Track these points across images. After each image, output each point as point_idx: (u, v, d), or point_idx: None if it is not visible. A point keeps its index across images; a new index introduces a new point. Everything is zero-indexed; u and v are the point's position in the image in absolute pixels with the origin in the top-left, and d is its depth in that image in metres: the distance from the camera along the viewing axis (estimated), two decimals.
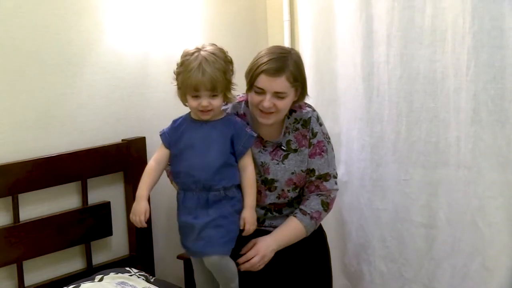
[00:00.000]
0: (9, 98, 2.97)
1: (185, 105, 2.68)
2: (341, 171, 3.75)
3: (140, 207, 2.62)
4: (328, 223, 3.59)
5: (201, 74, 2.45)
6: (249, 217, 2.68)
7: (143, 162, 3.29)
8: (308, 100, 3.29)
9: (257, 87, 2.90)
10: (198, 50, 2.55)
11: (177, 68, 2.61)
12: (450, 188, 3.43)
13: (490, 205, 3.28)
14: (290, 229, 3.01)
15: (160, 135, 2.75)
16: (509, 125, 3.19)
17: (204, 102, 2.49)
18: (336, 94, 3.87)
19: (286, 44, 4.04)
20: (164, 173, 3.05)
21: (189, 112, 2.71)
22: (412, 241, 3.60)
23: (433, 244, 3.53)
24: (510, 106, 3.18)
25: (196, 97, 2.52)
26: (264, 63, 2.91)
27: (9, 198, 2.96)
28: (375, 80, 3.65)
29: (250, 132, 2.73)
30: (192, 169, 2.59)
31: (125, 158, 3.37)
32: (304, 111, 3.16)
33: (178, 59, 2.65)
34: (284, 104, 2.93)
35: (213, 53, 2.53)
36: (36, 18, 3.04)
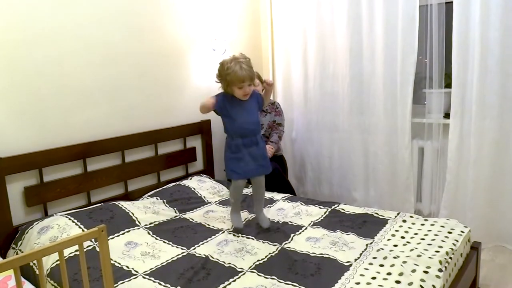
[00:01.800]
0: (147, 101, 3.13)
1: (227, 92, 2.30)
2: (293, 133, 4.04)
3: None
4: (288, 156, 3.98)
5: (244, 72, 2.16)
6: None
7: (209, 130, 3.56)
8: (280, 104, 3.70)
9: None
10: (236, 58, 2.23)
11: (223, 72, 2.23)
12: (339, 142, 3.73)
13: (355, 148, 3.64)
14: (268, 147, 3.30)
15: (215, 103, 2.28)
16: (365, 113, 3.53)
17: (247, 89, 2.21)
18: (292, 101, 3.98)
19: (270, 76, 4.06)
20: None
21: (227, 94, 2.30)
22: (323, 164, 3.87)
23: (331, 165, 3.82)
24: (367, 100, 3.49)
25: (240, 87, 2.21)
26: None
27: (152, 146, 3.16)
28: (309, 96, 3.85)
29: (258, 92, 2.41)
30: (247, 124, 2.28)
31: (201, 128, 3.52)
32: (272, 100, 3.61)
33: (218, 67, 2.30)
34: (259, 88, 3.23)
35: (244, 59, 2.24)
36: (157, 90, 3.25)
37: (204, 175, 3.42)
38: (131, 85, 3.01)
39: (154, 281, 1.93)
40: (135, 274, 2.00)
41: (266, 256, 2.12)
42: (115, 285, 1.87)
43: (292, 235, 2.35)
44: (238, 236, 2.39)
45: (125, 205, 2.66)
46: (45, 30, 2.51)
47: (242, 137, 2.30)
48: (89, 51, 2.73)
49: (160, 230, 2.47)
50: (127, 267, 2.06)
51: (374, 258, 2.03)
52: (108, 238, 2.26)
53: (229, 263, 2.06)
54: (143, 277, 1.97)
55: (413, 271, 1.87)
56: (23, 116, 2.46)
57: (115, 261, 2.11)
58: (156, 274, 1.99)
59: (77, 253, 2.09)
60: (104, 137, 2.83)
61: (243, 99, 2.28)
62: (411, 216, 2.54)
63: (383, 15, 3.26)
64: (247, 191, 2.97)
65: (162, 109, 3.26)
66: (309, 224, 2.52)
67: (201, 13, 3.51)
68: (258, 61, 4.19)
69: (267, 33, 4.08)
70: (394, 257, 2.00)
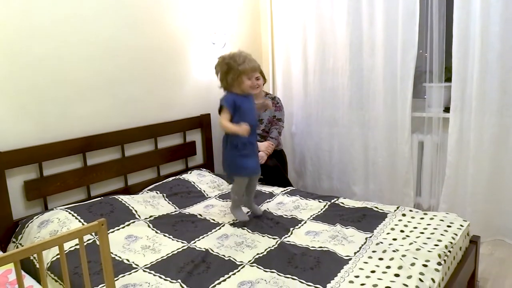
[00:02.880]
0: (147, 94, 3.13)
1: (229, 91, 2.29)
2: (293, 128, 4.03)
3: (243, 127, 2.17)
4: (288, 151, 3.97)
5: (254, 63, 2.21)
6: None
7: (209, 124, 3.55)
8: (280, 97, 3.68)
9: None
10: (240, 52, 2.25)
11: (233, 64, 2.19)
12: (339, 136, 3.73)
13: (354, 142, 3.63)
14: (268, 144, 3.31)
15: (225, 105, 2.25)
16: (365, 107, 3.52)
17: (254, 81, 2.06)
18: (292, 95, 3.97)
19: (270, 71, 4.07)
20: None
21: (232, 93, 2.27)
22: (322, 158, 3.87)
23: (331, 159, 3.82)
24: (367, 94, 3.48)
25: (249, 79, 2.20)
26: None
27: (152, 140, 3.17)
28: (308, 90, 3.84)
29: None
30: (254, 120, 2.32)
31: (201, 122, 3.51)
32: (272, 95, 3.57)
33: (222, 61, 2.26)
34: (260, 82, 3.35)
35: (247, 53, 2.27)
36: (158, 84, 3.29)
37: (204, 169, 3.42)
38: (131, 79, 3.00)
39: (154, 275, 1.93)
40: (136, 268, 2.00)
41: (265, 250, 2.12)
42: (115, 279, 1.87)
43: (291, 229, 2.36)
44: (243, 228, 2.40)
45: (125, 199, 2.66)
46: (44, 23, 2.50)
47: (249, 134, 2.26)
48: (88, 45, 2.72)
49: (160, 224, 2.46)
50: (128, 260, 2.07)
51: (374, 251, 2.03)
52: (108, 231, 2.26)
53: (229, 257, 2.06)
54: (144, 271, 1.97)
55: (412, 264, 1.87)
56: (23, 110, 2.45)
57: (116, 255, 2.11)
58: (156, 267, 2.00)
59: (78, 247, 2.10)
60: (104, 131, 2.82)
61: (250, 92, 2.27)
62: (410, 210, 2.54)
63: (383, 8, 3.27)
64: None
65: (161, 103, 3.24)
66: (308, 218, 2.52)
67: (200, 7, 3.50)
68: (258, 55, 4.16)
69: (267, 27, 4.06)
70: (393, 251, 2.01)
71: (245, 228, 2.40)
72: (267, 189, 3.07)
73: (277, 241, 2.22)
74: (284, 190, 3.02)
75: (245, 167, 2.38)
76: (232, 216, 2.56)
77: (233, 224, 2.47)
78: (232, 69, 2.21)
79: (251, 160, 2.38)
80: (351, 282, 1.78)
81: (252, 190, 2.52)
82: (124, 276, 1.92)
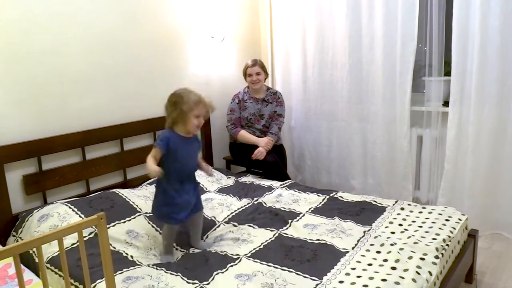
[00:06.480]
0: (146, 88, 3.12)
1: (172, 129, 2.07)
2: (292, 122, 4.03)
3: (154, 168, 1.95)
4: (287, 145, 3.95)
5: (202, 99, 2.04)
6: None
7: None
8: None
9: (249, 74, 3.38)
10: (188, 89, 2.08)
11: (179, 100, 2.02)
12: (338, 130, 3.73)
13: (353, 137, 3.63)
14: (268, 139, 3.34)
15: (157, 141, 2.06)
16: (364, 101, 3.52)
17: (201, 120, 2.02)
18: (290, 90, 3.95)
19: (269, 65, 4.05)
20: None
21: (171, 132, 2.08)
22: (321, 152, 3.88)
23: (330, 153, 3.82)
24: (366, 88, 3.47)
25: (197, 118, 2.01)
26: (250, 65, 3.38)
27: (151, 133, 3.17)
28: (307, 84, 3.84)
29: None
30: (190, 166, 2.14)
31: None
32: (274, 90, 3.56)
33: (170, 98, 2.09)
34: (261, 77, 3.39)
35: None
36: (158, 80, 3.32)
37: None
38: (130, 73, 3.00)
39: (156, 269, 1.95)
40: (139, 265, 2.01)
41: (262, 243, 2.13)
42: (120, 272, 1.89)
43: (289, 221, 2.38)
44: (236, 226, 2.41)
45: (125, 193, 2.64)
46: (42, 17, 2.50)
47: (181, 181, 2.07)
48: (86, 39, 2.72)
49: None
50: (132, 257, 2.09)
51: (372, 245, 2.05)
52: (109, 226, 2.27)
53: (225, 252, 2.08)
54: (147, 266, 2.00)
55: (410, 258, 1.89)
56: (21, 104, 2.45)
57: (118, 250, 2.12)
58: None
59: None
60: (103, 125, 2.82)
61: (194, 132, 2.06)
62: (409, 204, 2.55)
63: (383, 1, 3.27)
64: None
65: (160, 97, 3.09)
66: (307, 211, 2.54)
67: (199, 0, 3.49)
68: (257, 49, 4.18)
69: (266, 20, 4.05)
70: (391, 244, 2.02)
71: (243, 222, 2.42)
72: (266, 182, 3.08)
73: (275, 234, 2.23)
74: (283, 184, 3.03)
75: (172, 217, 2.07)
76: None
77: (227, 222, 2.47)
78: (177, 107, 2.02)
79: (182, 211, 2.07)
80: (347, 274, 1.80)
81: (197, 229, 2.21)
82: (128, 270, 1.93)
